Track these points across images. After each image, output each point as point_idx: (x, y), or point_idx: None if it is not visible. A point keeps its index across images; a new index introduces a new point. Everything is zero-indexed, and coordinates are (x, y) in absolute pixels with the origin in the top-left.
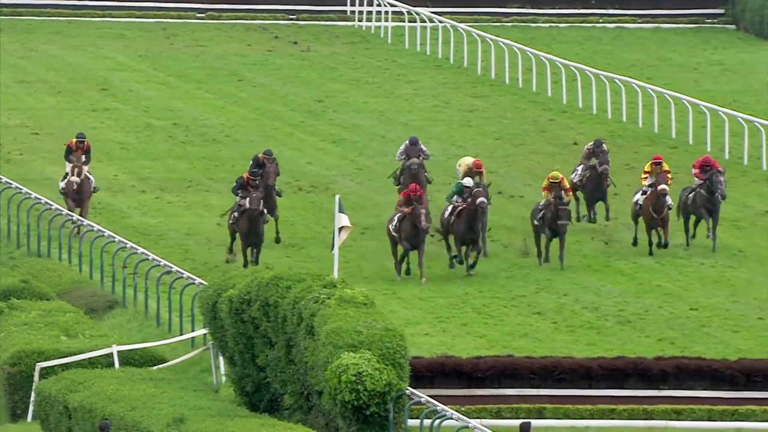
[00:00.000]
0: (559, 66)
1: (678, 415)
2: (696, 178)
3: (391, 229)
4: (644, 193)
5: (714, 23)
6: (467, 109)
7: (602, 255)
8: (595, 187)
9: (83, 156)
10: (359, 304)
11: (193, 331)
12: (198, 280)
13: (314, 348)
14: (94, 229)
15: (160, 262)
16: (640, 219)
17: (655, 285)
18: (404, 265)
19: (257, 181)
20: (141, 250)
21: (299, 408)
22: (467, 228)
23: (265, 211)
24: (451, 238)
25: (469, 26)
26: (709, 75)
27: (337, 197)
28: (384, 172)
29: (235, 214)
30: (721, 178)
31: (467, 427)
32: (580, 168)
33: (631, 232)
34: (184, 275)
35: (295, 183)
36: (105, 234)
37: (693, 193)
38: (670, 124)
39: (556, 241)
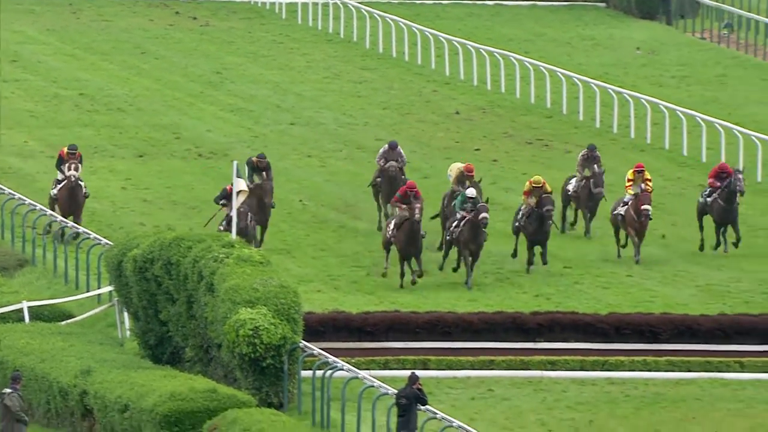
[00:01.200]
0: (442, 41)
1: (553, 366)
2: (710, 187)
3: (388, 235)
4: (625, 204)
5: (585, 1)
6: (357, 80)
7: None
8: (588, 201)
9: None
10: (256, 262)
11: (99, 288)
12: (104, 240)
13: (213, 304)
14: (69, 225)
15: (68, 223)
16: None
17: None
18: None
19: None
20: (49, 212)
21: (199, 360)
22: (471, 237)
23: (254, 223)
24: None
25: (359, 3)
26: (581, 49)
27: (234, 163)
28: (278, 140)
29: (224, 223)
30: (740, 176)
31: (357, 377)
32: (574, 180)
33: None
34: (90, 236)
35: (195, 150)
36: (15, 197)
37: (711, 199)
38: (545, 95)
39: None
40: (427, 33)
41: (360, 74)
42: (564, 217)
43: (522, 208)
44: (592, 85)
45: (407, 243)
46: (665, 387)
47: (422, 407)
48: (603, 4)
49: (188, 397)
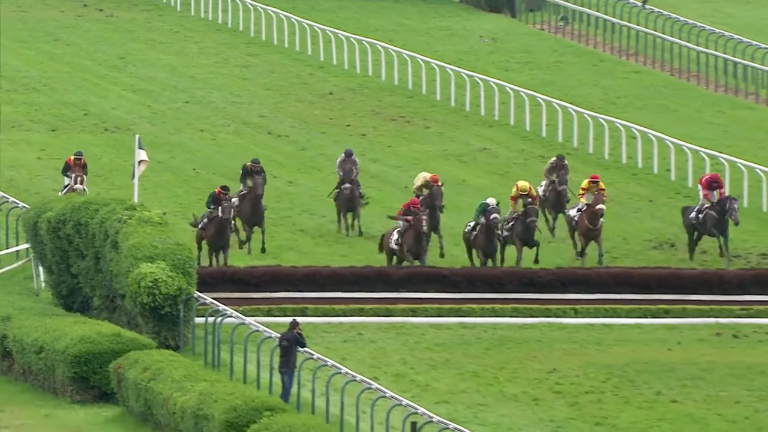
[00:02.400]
0: (317, 30)
1: (414, 313)
2: (704, 199)
3: (391, 245)
4: (580, 210)
5: None
6: (243, 65)
7: None
8: (556, 202)
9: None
10: (155, 223)
11: (17, 245)
12: (21, 203)
13: (118, 259)
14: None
15: None
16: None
17: (395, 209)
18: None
19: (228, 195)
20: None
21: (106, 308)
22: (487, 241)
23: (233, 222)
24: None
25: None
26: (438, 38)
27: (136, 136)
28: (175, 116)
29: (205, 220)
30: (735, 206)
31: (244, 323)
32: (544, 184)
33: None
34: (9, 199)
35: (101, 124)
36: None
37: (702, 213)
38: (407, 78)
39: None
40: (304, 23)
41: (245, 59)
42: (547, 220)
43: (507, 216)
44: (448, 69)
45: (414, 245)
46: (510, 331)
47: (301, 349)
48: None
49: (96, 341)
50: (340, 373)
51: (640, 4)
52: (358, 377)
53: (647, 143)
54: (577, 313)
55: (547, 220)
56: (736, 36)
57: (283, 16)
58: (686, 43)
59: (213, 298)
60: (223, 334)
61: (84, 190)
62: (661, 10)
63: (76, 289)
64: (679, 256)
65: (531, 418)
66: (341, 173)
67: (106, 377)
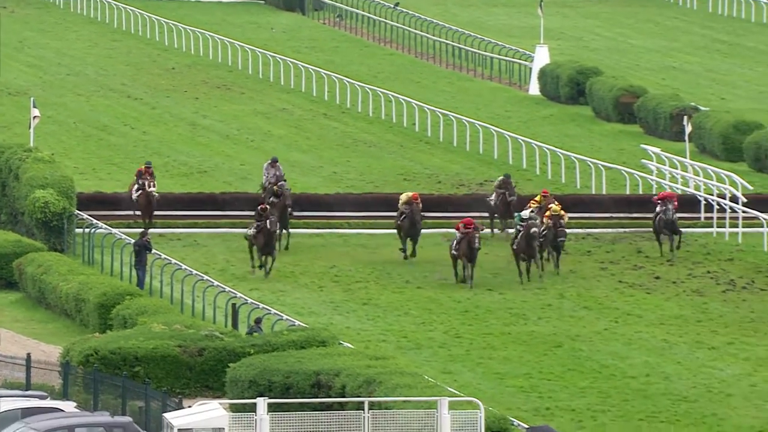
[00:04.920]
0: (163, 23)
1: (234, 226)
2: (660, 209)
3: (452, 249)
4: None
5: (256, 1)
6: (109, 48)
7: (192, 129)
8: (505, 211)
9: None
10: (47, 161)
11: None
12: None
13: (19, 187)
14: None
15: None
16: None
17: (222, 152)
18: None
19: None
20: None
21: (10, 222)
22: (526, 245)
23: (278, 228)
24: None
25: None
26: (249, 29)
27: (32, 98)
28: (60, 84)
29: (253, 230)
30: (670, 207)
31: (111, 233)
32: (494, 196)
33: None
34: None
35: (5, 90)
36: None
37: (658, 219)
38: (228, 57)
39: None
40: (153, 18)
41: (111, 44)
42: (495, 223)
43: (543, 227)
44: (257, 51)
45: (467, 252)
46: (302, 238)
47: (150, 252)
48: (263, 1)
49: (3, 245)
50: (181, 269)
51: (393, 5)
52: (194, 272)
53: (399, 105)
54: (350, 226)
55: (496, 223)
56: (461, 29)
57: (138, 13)
58: (425, 34)
59: (89, 215)
60: (95, 241)
61: (153, 191)
62: (408, 10)
63: None
64: (441, 188)
65: (317, 300)
66: (265, 177)
67: (11, 271)
